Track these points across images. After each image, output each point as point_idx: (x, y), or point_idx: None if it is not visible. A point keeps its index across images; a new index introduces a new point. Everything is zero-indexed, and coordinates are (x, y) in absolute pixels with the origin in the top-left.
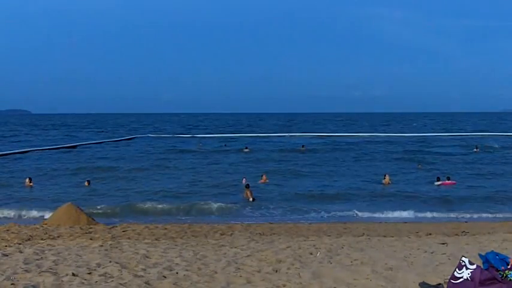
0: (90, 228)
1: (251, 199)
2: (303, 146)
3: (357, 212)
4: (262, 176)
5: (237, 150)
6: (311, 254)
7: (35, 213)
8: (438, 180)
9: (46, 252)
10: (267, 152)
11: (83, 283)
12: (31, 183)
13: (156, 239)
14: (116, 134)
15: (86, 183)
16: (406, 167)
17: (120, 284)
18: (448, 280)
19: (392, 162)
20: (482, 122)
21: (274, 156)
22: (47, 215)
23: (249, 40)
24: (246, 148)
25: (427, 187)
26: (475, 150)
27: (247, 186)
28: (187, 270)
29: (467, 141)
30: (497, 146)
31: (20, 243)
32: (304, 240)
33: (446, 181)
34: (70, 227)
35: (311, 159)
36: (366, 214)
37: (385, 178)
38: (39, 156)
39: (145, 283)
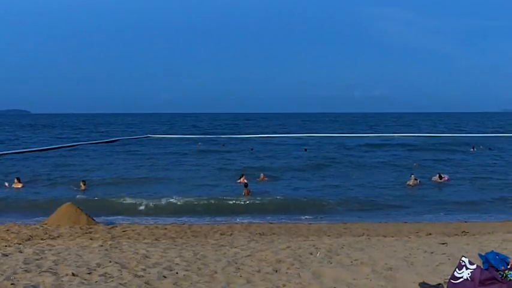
0: (90, 228)
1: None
2: (305, 150)
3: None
4: (260, 175)
5: (238, 150)
6: (311, 254)
7: (34, 213)
8: (440, 178)
9: (46, 252)
10: (267, 151)
11: (83, 283)
12: (20, 184)
13: (156, 239)
14: (114, 135)
15: (82, 184)
16: (401, 168)
17: (120, 284)
18: (448, 280)
19: (390, 161)
20: (481, 122)
21: (275, 155)
22: (46, 215)
23: (249, 40)
24: (252, 149)
25: (425, 186)
26: (471, 150)
27: (245, 185)
28: (187, 270)
29: (465, 141)
30: (493, 146)
31: (20, 243)
32: (304, 240)
33: (444, 178)
34: (70, 227)
35: (312, 160)
36: (366, 214)
37: (411, 179)
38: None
39: (145, 283)
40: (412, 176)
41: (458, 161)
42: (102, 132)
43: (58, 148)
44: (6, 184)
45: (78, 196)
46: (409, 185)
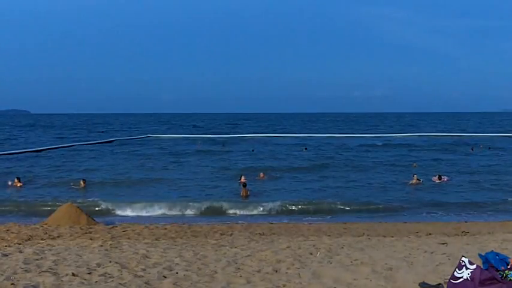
0: (90, 228)
1: (245, 196)
2: (305, 148)
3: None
4: (260, 173)
5: (238, 150)
6: (311, 254)
7: (33, 213)
8: (439, 179)
9: (46, 252)
10: (267, 151)
11: (83, 283)
12: (20, 183)
13: (156, 239)
14: (114, 135)
15: (82, 183)
16: (402, 168)
17: (120, 284)
18: (448, 280)
19: (390, 161)
20: (481, 122)
21: (275, 155)
22: (46, 215)
23: (250, 40)
24: (252, 150)
25: (425, 186)
26: (470, 150)
27: (244, 185)
28: (187, 270)
29: (466, 141)
30: (493, 145)
31: (20, 243)
32: (304, 240)
33: (443, 179)
34: (70, 227)
35: (312, 160)
36: (366, 215)
37: (413, 179)
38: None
39: (145, 283)
40: (415, 176)
41: (458, 161)
42: (102, 132)
43: (57, 148)
44: (10, 183)
45: (77, 196)
46: (411, 184)
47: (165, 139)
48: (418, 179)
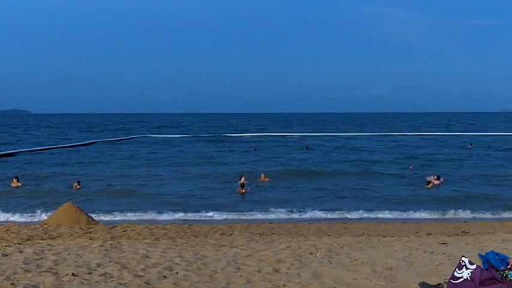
0: (90, 228)
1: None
2: (307, 147)
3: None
4: (261, 175)
5: (238, 150)
6: (311, 254)
7: (32, 213)
8: (437, 179)
9: (46, 252)
10: (269, 151)
11: (83, 283)
12: (19, 183)
13: (156, 239)
14: (113, 134)
15: (76, 184)
16: (401, 169)
17: (120, 284)
18: (448, 280)
19: (391, 161)
20: (481, 122)
21: (276, 156)
22: (45, 215)
23: (249, 40)
24: (255, 149)
25: (422, 187)
26: (469, 146)
27: (242, 185)
28: (187, 270)
29: (466, 140)
30: (493, 144)
31: (19, 243)
32: (304, 240)
33: (439, 180)
34: (70, 227)
35: (313, 160)
36: (365, 214)
37: (428, 185)
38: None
39: (145, 283)
40: (430, 182)
41: (458, 161)
42: (102, 131)
43: (56, 148)
44: (13, 184)
45: (74, 197)
46: (427, 188)
47: (164, 139)
48: (430, 183)
